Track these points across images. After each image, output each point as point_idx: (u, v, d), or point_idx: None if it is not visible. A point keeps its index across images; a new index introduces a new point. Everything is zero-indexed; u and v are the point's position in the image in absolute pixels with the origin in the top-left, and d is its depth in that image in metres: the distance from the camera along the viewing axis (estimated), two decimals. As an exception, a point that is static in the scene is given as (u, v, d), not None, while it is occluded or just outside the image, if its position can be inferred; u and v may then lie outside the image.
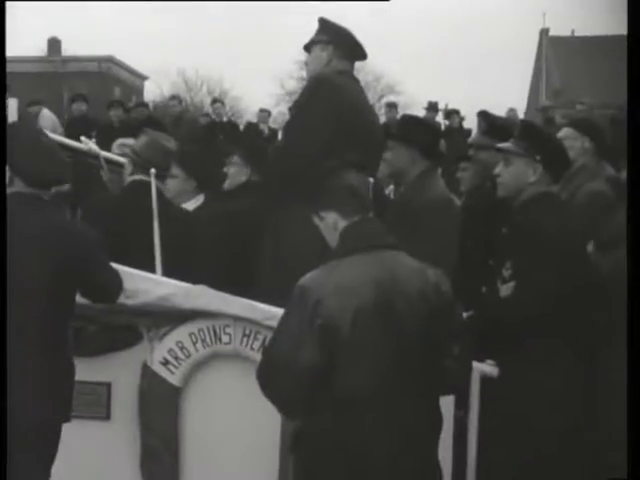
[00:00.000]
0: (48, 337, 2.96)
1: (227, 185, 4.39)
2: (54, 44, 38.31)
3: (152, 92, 32.83)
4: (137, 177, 3.85)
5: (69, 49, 37.22)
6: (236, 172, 4.37)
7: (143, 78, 39.45)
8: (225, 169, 4.39)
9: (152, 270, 3.58)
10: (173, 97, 12.65)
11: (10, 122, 3.80)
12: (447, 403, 3.00)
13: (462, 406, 3.34)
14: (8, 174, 3.06)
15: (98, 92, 26.64)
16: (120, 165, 4.46)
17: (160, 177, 3.82)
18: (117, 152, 4.88)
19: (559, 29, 30.78)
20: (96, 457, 3.43)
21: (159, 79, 38.70)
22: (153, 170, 3.73)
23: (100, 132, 8.83)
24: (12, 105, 3.93)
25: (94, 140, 4.98)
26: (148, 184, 3.74)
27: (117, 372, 3.47)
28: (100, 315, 3.36)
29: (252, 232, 3.97)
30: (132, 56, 45.81)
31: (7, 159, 3.06)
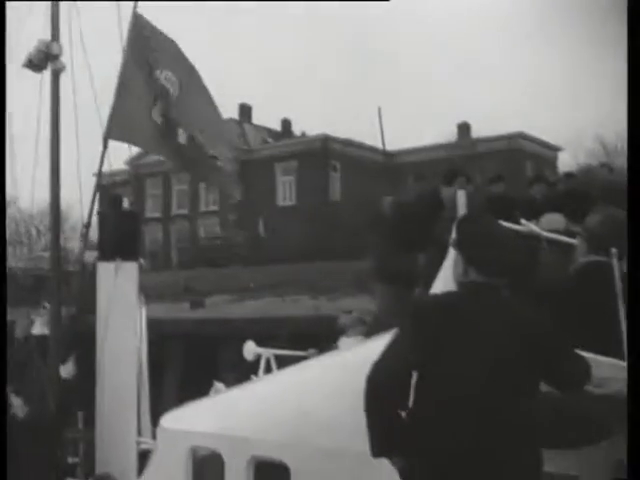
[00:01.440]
0: (513, 424, 2.90)
1: None
2: (464, 128, 40.29)
3: (567, 164, 32.08)
4: (594, 257, 3.68)
5: (480, 130, 38.75)
6: None
7: (556, 149, 39.05)
8: None
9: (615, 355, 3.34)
10: (602, 165, 12.25)
11: (461, 215, 3.82)
12: None
13: None
14: (462, 264, 3.10)
15: (509, 169, 27.03)
16: (565, 244, 4.32)
17: (619, 255, 3.58)
18: (545, 228, 4.76)
19: None
20: None
21: (574, 148, 37.63)
22: (614, 249, 3.51)
23: (522, 209, 8.77)
24: (461, 197, 3.97)
25: (534, 222, 4.94)
26: (606, 265, 3.52)
27: (585, 465, 3.27)
28: (568, 405, 3.22)
29: None
30: (543, 128, 45.95)
31: (460, 251, 3.13)
